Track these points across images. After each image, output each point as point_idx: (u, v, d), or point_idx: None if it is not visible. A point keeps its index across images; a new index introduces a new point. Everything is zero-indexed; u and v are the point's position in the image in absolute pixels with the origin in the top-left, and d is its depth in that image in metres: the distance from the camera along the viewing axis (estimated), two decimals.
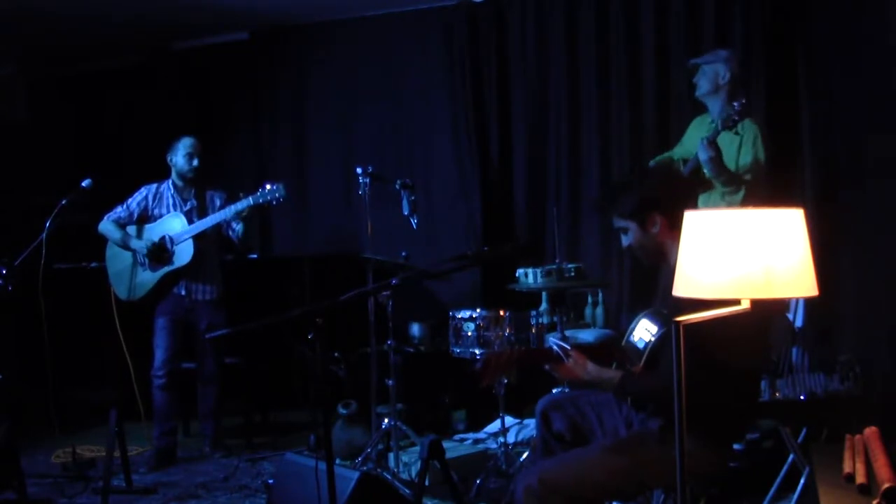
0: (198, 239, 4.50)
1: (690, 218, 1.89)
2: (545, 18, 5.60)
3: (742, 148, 4.04)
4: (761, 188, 4.11)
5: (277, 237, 6.48)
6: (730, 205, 4.05)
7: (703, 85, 4.21)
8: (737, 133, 4.01)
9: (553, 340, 2.74)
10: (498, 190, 5.83)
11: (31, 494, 3.99)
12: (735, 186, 4.03)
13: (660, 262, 2.65)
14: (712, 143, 3.88)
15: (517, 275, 4.16)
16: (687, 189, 2.71)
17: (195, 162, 4.57)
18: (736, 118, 3.85)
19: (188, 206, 4.61)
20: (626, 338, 2.70)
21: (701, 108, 4.35)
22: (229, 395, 4.83)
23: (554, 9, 5.56)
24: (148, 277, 4.58)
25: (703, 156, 3.92)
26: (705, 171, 3.98)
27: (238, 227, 4.56)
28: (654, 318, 2.60)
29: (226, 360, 4.81)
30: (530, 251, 5.23)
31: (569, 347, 2.59)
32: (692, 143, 4.28)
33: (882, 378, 3.81)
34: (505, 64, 5.78)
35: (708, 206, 4.08)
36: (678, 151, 4.49)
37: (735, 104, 3.86)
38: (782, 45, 4.92)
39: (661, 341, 2.50)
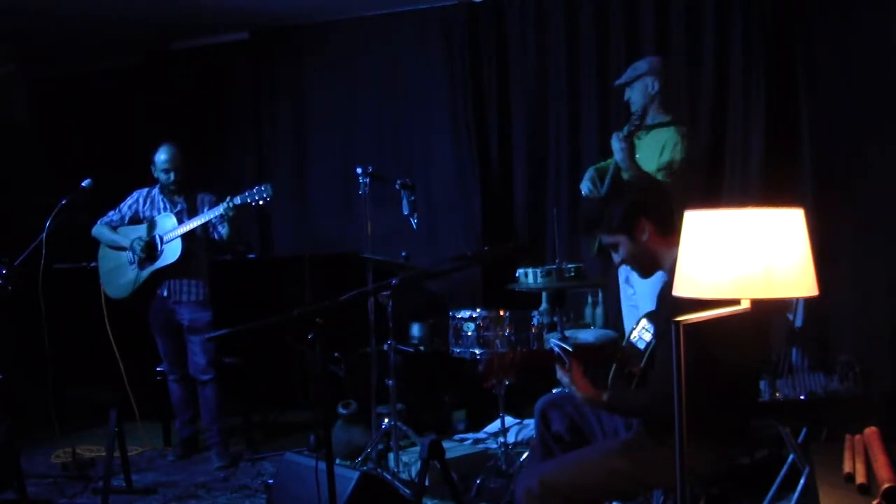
0: (186, 238, 4.46)
1: (690, 218, 1.89)
2: (545, 18, 5.60)
3: (664, 149, 4.10)
4: (680, 187, 4.13)
5: (277, 237, 6.48)
6: None
7: (636, 101, 4.25)
8: (669, 127, 4.13)
9: (554, 342, 2.73)
10: (498, 190, 5.83)
11: (31, 494, 3.99)
12: None
13: (655, 270, 2.64)
14: (626, 137, 4.04)
15: (517, 275, 4.16)
16: (668, 193, 2.72)
17: (172, 176, 4.54)
18: (632, 129, 4.06)
19: (178, 208, 4.60)
20: (626, 338, 2.70)
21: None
22: (229, 395, 4.83)
23: (554, 9, 5.56)
24: (136, 275, 4.58)
25: (615, 144, 4.05)
26: (619, 164, 4.09)
27: (223, 229, 4.50)
28: (654, 318, 2.60)
29: (225, 360, 4.81)
30: (530, 251, 5.22)
31: (570, 349, 2.58)
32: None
33: (882, 378, 3.82)
34: (505, 64, 5.78)
35: None
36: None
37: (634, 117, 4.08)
38: (782, 45, 4.93)
39: (659, 342, 2.50)
